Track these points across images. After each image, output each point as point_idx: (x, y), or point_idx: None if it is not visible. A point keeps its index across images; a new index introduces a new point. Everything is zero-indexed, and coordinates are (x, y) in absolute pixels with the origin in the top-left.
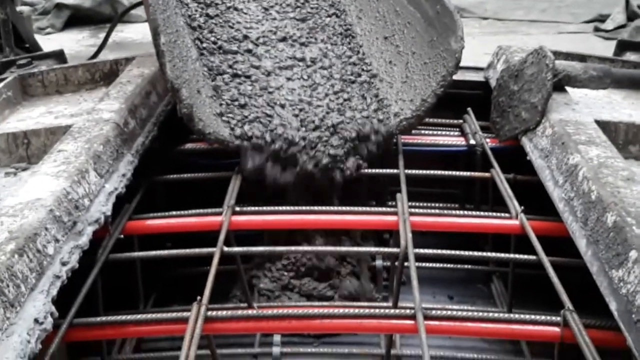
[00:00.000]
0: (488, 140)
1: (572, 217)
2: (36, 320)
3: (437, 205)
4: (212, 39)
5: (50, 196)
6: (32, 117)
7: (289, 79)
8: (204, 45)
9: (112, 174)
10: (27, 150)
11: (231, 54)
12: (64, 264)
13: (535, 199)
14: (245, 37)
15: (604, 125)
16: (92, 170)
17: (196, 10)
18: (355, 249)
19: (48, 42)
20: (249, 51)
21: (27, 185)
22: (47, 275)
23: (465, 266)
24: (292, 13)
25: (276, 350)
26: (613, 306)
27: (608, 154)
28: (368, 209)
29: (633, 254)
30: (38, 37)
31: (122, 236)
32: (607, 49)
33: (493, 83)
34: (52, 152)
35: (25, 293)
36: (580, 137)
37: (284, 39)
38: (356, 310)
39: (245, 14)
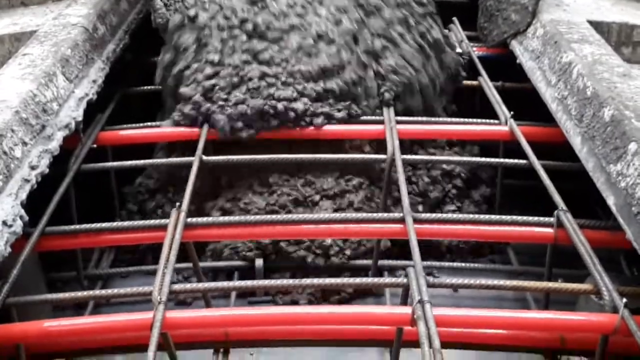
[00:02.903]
0: (475, 48)
1: (566, 116)
2: (4, 223)
3: None
4: None
5: (16, 98)
6: None
7: None
8: None
9: (82, 80)
10: None
11: None
12: (33, 167)
13: (524, 111)
14: None
15: (596, 26)
16: (60, 74)
17: None
18: (345, 155)
19: None
20: None
21: None
22: (15, 179)
23: None
24: None
25: (259, 262)
26: (611, 201)
27: (602, 52)
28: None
29: (632, 146)
30: None
31: (94, 146)
32: None
33: None
34: (17, 55)
35: None
36: (573, 36)
37: None
38: (343, 215)
39: None
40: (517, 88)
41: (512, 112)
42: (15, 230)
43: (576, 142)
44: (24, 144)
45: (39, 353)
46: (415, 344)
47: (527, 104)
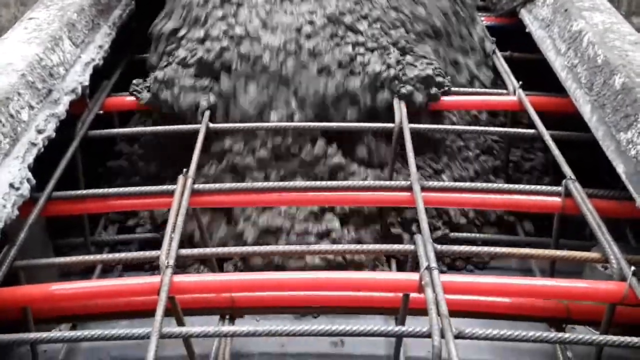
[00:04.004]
0: (483, 18)
1: (576, 84)
2: (12, 185)
3: None
4: None
5: (22, 61)
6: None
7: None
8: None
9: (89, 45)
10: None
11: None
12: (39, 131)
13: (533, 82)
14: None
15: None
16: (66, 39)
17: None
18: (349, 124)
19: None
20: None
21: None
22: (22, 142)
23: None
24: None
25: None
26: (620, 169)
27: (613, 20)
28: None
29: None
30: None
31: (101, 112)
32: None
33: None
34: (23, 19)
35: None
36: (584, 4)
37: None
38: (350, 182)
39: None
40: (525, 58)
41: (520, 82)
42: (23, 193)
43: (586, 110)
44: (31, 107)
45: (45, 318)
46: (421, 312)
47: (536, 74)
